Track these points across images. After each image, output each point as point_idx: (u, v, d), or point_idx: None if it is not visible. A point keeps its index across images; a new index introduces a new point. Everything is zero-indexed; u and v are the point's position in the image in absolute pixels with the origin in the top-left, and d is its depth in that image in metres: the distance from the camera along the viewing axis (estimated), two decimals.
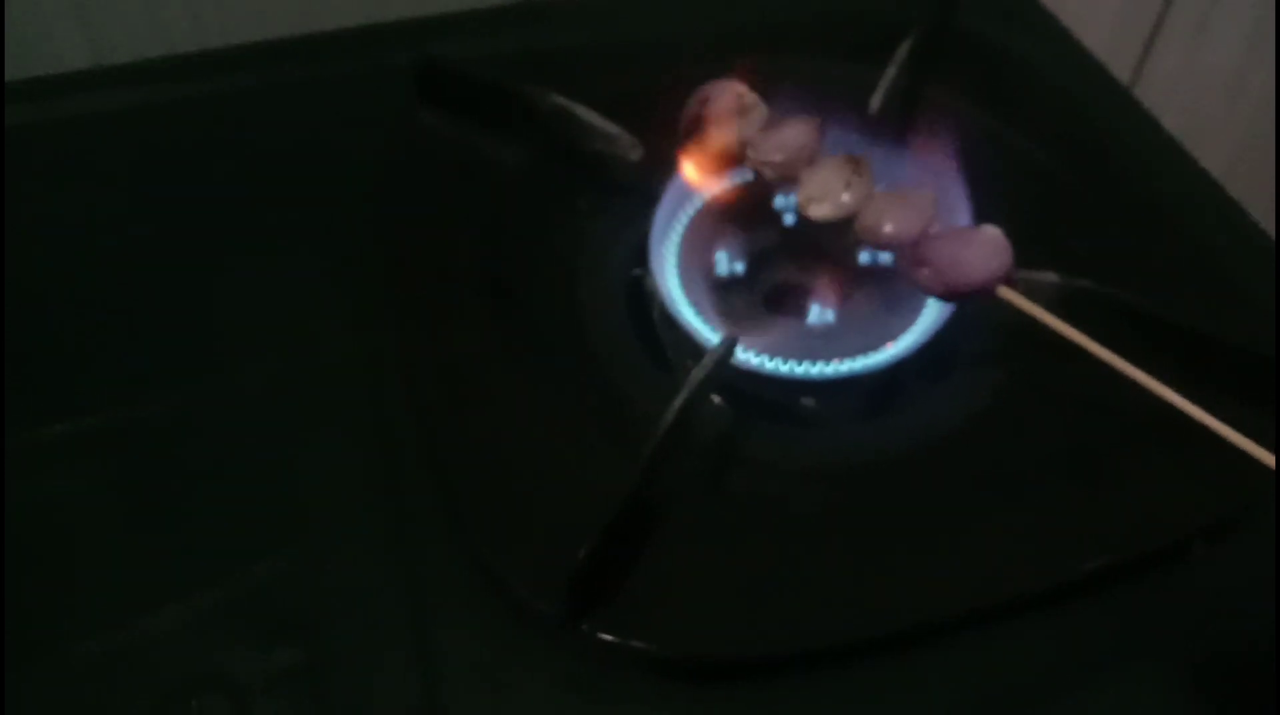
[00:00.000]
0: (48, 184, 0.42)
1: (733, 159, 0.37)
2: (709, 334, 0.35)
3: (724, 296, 0.37)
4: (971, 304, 0.34)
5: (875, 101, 0.41)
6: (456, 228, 0.40)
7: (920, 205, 0.34)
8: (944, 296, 0.34)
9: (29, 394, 0.35)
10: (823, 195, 0.35)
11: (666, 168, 0.38)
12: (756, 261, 0.38)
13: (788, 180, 0.36)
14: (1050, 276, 0.36)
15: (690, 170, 0.37)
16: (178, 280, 0.39)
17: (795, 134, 0.36)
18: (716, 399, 0.35)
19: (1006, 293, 0.33)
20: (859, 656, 0.30)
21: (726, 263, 0.38)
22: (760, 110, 0.37)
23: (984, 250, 0.33)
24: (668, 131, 0.38)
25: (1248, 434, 0.33)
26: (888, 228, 0.34)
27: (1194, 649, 0.31)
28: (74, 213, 0.41)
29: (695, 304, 0.37)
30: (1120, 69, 0.57)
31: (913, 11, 0.45)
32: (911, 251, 0.34)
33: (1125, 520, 0.32)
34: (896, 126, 0.41)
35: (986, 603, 0.31)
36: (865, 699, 0.30)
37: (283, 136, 0.44)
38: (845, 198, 0.34)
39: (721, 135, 0.36)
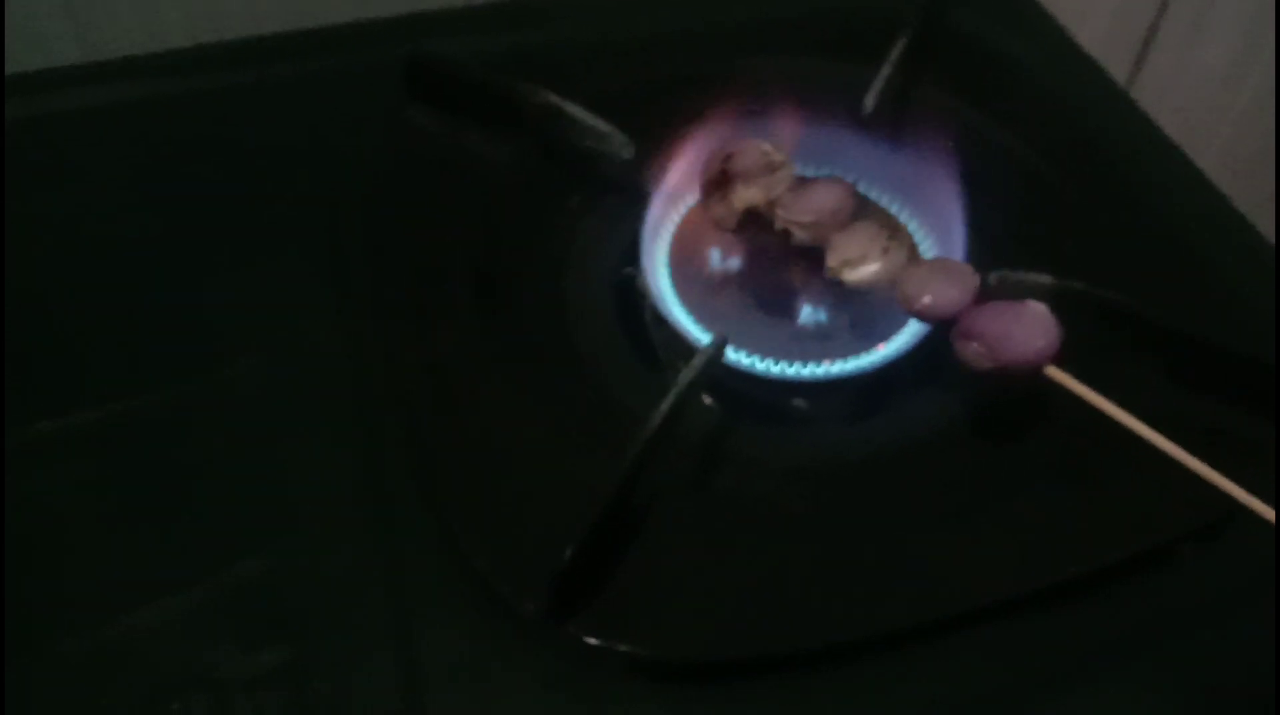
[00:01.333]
0: (35, 179, 0.41)
1: (758, 217, 0.36)
2: (699, 334, 0.35)
3: (715, 296, 0.37)
4: (1016, 383, 0.33)
5: (869, 101, 0.41)
6: (446, 225, 0.39)
7: (962, 276, 0.33)
8: (993, 373, 0.32)
9: (15, 391, 0.35)
10: (858, 259, 0.34)
11: (658, 166, 0.37)
12: (748, 261, 0.38)
13: (819, 242, 0.35)
14: (1044, 278, 0.35)
15: (709, 223, 0.37)
16: (165, 277, 0.39)
17: (827, 195, 0.35)
18: (706, 399, 0.35)
19: (1055, 372, 0.32)
20: (845, 658, 0.30)
21: (718, 262, 0.38)
22: (789, 169, 0.36)
23: (1034, 327, 0.32)
24: (660, 129, 0.38)
25: (1244, 438, 0.33)
26: (927, 299, 0.33)
27: (1185, 651, 0.31)
28: (62, 208, 0.41)
29: (686, 303, 0.36)
30: (1116, 69, 0.57)
31: (906, 10, 0.45)
32: (958, 324, 0.33)
33: (1116, 522, 0.32)
34: (890, 126, 0.40)
35: (975, 604, 0.31)
36: (851, 701, 0.30)
37: (272, 133, 0.44)
38: (879, 266, 0.34)
39: (748, 194, 0.35)
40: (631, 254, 0.37)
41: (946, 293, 0.33)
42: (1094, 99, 0.48)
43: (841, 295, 0.36)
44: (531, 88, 0.41)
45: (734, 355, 0.34)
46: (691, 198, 0.39)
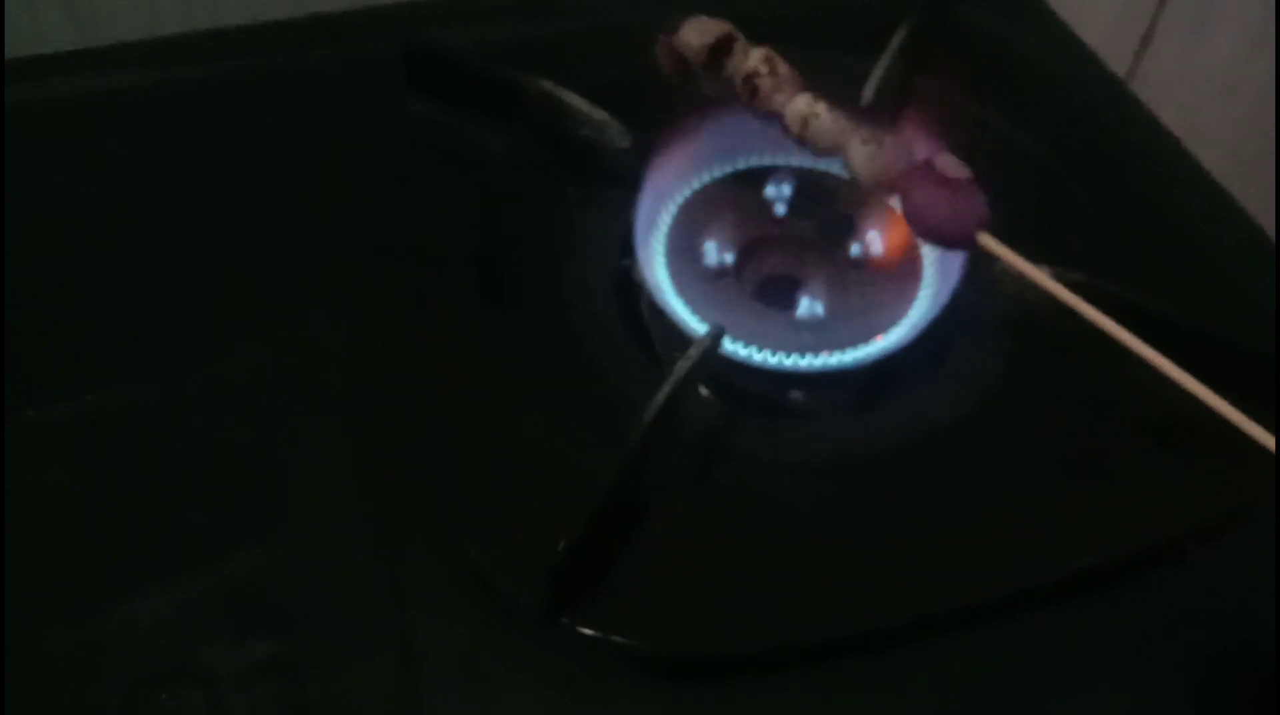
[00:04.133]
0: (31, 167, 0.41)
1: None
2: (696, 325, 0.35)
3: (713, 287, 0.37)
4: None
5: (868, 91, 0.41)
6: (445, 215, 0.39)
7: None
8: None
9: (8, 380, 0.35)
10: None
11: (654, 155, 0.37)
12: (746, 252, 0.38)
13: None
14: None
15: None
16: (162, 265, 0.39)
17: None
18: (704, 391, 0.35)
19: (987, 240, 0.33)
20: (847, 653, 0.30)
21: (715, 253, 0.38)
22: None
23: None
24: (657, 119, 0.38)
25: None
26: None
27: (1190, 648, 0.31)
28: (58, 196, 0.40)
29: (683, 295, 0.36)
30: (1118, 63, 0.56)
31: (907, 3, 0.45)
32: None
33: (1121, 518, 0.32)
34: (889, 117, 0.40)
35: (978, 600, 0.31)
36: (853, 696, 0.30)
37: (270, 121, 0.43)
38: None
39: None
40: (630, 244, 0.37)
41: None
42: (1095, 92, 0.48)
43: (841, 286, 0.36)
44: (530, 77, 0.41)
45: (731, 346, 0.34)
46: (688, 189, 0.39)
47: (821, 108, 0.34)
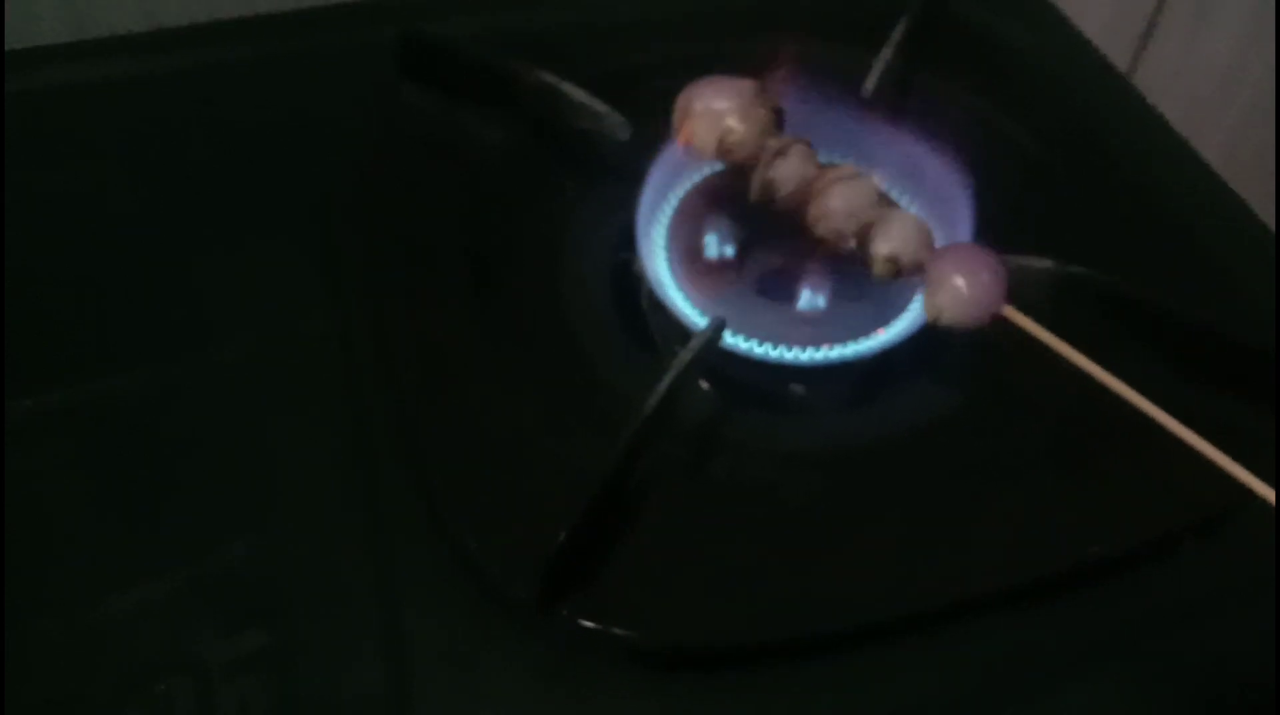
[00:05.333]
0: (26, 157, 0.41)
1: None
2: (697, 318, 0.35)
3: (713, 280, 0.37)
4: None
5: (869, 84, 0.41)
6: (439, 207, 0.39)
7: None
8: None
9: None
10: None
11: (655, 148, 0.37)
12: (747, 245, 0.38)
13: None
14: (1045, 262, 0.35)
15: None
16: (153, 256, 0.38)
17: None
18: (704, 384, 0.35)
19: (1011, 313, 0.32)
20: (838, 647, 0.30)
21: (716, 246, 0.37)
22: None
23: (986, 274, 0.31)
24: (657, 111, 0.37)
25: (1245, 428, 0.33)
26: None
27: (1185, 646, 0.31)
28: (52, 186, 0.40)
29: (683, 288, 0.36)
30: (1118, 57, 0.56)
31: None
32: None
33: (1115, 513, 0.32)
34: (891, 109, 0.40)
35: (973, 593, 0.31)
36: (845, 690, 0.30)
37: (263, 112, 0.43)
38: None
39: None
40: (628, 237, 0.37)
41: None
42: (1095, 86, 0.48)
43: (842, 280, 0.36)
44: (527, 68, 0.41)
45: (731, 339, 0.34)
46: (689, 181, 0.39)
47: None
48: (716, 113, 0.31)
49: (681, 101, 0.32)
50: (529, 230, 0.39)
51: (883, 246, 0.31)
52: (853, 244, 0.32)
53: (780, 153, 0.31)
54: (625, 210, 0.37)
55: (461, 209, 0.39)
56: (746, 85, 0.32)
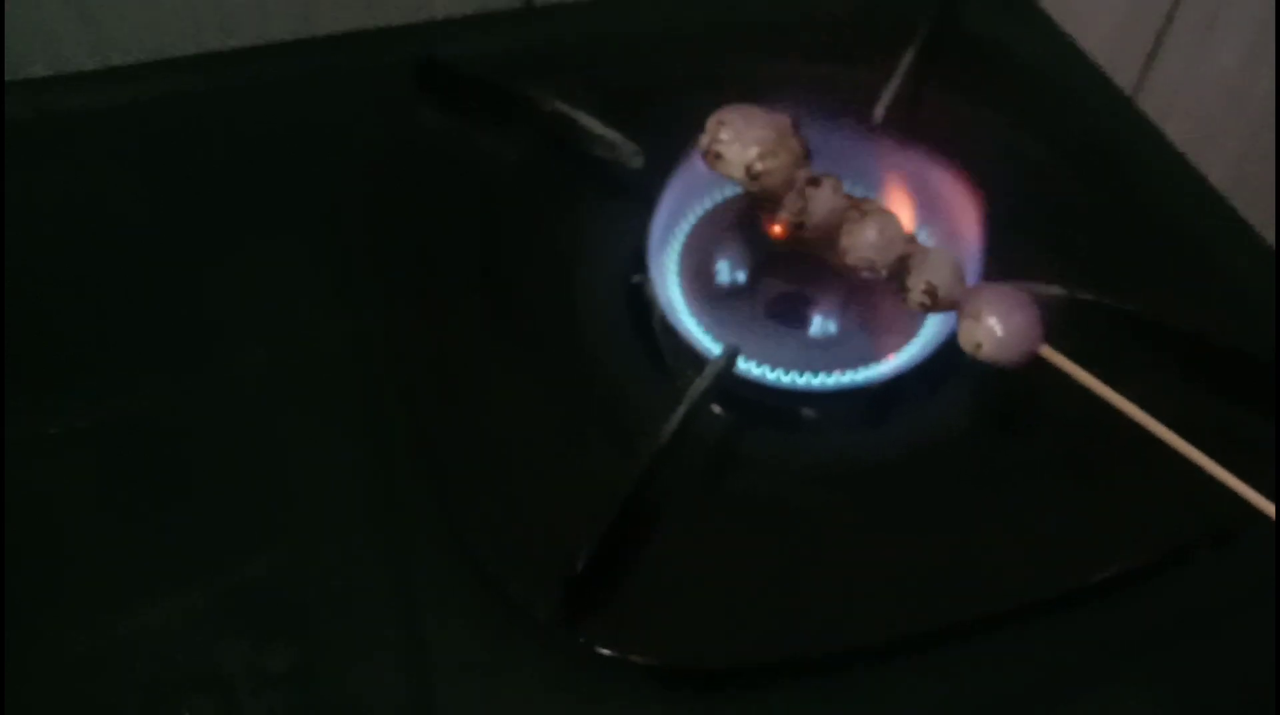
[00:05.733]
0: (42, 179, 0.41)
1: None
2: (710, 344, 0.35)
3: (725, 306, 0.37)
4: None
5: (879, 111, 0.41)
6: (453, 227, 0.39)
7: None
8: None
9: (15, 386, 0.35)
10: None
11: (667, 173, 0.37)
12: (758, 271, 0.38)
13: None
14: (1055, 289, 0.35)
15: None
16: (172, 275, 0.39)
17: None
18: (717, 408, 0.35)
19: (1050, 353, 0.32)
20: (856, 665, 0.30)
21: (728, 272, 0.38)
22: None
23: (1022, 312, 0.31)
24: (670, 136, 0.38)
25: (1249, 442, 0.33)
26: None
27: (1195, 657, 0.31)
28: (67, 207, 0.41)
29: (696, 313, 0.36)
30: (1124, 76, 0.57)
31: (914, 14, 0.45)
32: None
33: (1127, 527, 0.32)
34: (901, 132, 0.40)
35: (986, 610, 0.31)
36: (862, 707, 0.30)
37: (280, 133, 0.44)
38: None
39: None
40: (641, 257, 0.37)
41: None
42: (1101, 106, 0.48)
43: (853, 305, 0.36)
44: (541, 94, 0.41)
45: (745, 365, 0.34)
46: (701, 208, 0.39)
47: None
48: (750, 139, 0.32)
49: (713, 123, 0.33)
50: (543, 248, 0.39)
51: (920, 280, 0.31)
52: (884, 274, 0.32)
53: (813, 183, 0.32)
54: (638, 231, 0.37)
55: (476, 227, 0.39)
56: (781, 119, 0.32)
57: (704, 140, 0.32)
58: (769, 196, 0.32)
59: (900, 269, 0.32)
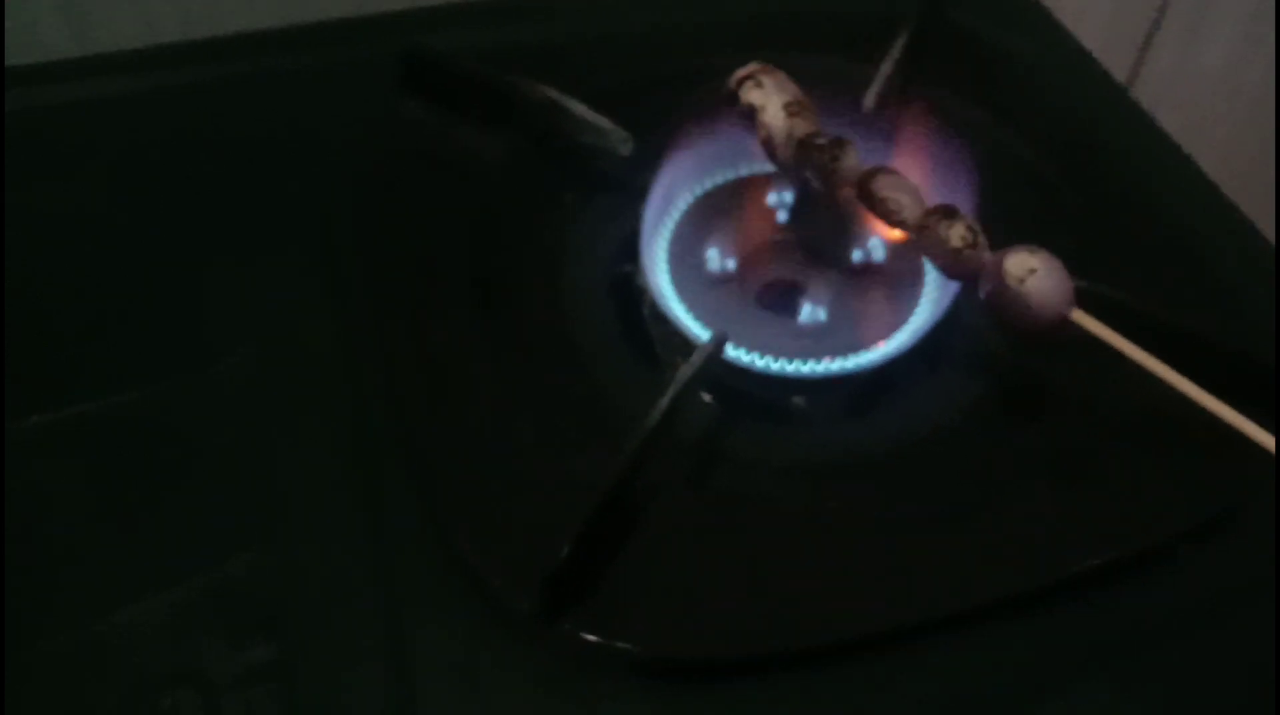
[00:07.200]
0: (29, 173, 0.41)
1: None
2: (699, 331, 0.35)
3: (715, 293, 0.37)
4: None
5: (869, 100, 0.41)
6: (441, 221, 0.39)
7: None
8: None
9: (5, 383, 0.35)
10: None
11: (656, 162, 0.37)
12: (748, 259, 0.38)
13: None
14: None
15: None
16: (156, 272, 0.38)
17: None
18: (705, 397, 0.35)
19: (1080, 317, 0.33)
20: (840, 657, 0.30)
21: (718, 259, 0.38)
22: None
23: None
24: (659, 125, 0.38)
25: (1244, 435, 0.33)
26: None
27: (1183, 651, 0.31)
28: (55, 202, 0.40)
29: (686, 301, 0.36)
30: (1117, 67, 0.56)
31: (904, 7, 0.45)
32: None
33: (1113, 521, 0.32)
34: (891, 124, 0.40)
35: (972, 603, 0.31)
36: (846, 700, 0.30)
37: (266, 127, 0.43)
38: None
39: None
40: (629, 250, 0.37)
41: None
42: (1094, 96, 0.48)
43: (843, 292, 0.36)
44: (529, 83, 0.41)
45: (733, 352, 0.34)
46: (691, 195, 0.39)
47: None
48: (788, 84, 0.35)
49: (747, 70, 0.36)
50: (530, 243, 0.39)
51: (959, 224, 0.33)
52: (905, 219, 0.33)
53: (837, 143, 0.34)
54: (626, 223, 0.37)
55: (463, 222, 0.39)
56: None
57: (738, 75, 0.35)
58: (798, 143, 0.35)
59: (923, 225, 0.33)
